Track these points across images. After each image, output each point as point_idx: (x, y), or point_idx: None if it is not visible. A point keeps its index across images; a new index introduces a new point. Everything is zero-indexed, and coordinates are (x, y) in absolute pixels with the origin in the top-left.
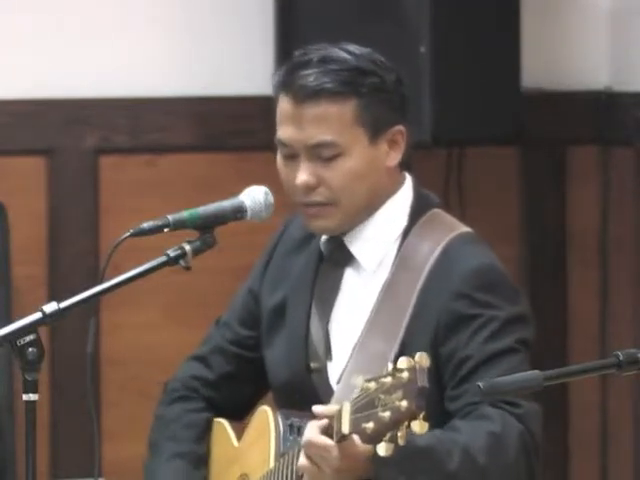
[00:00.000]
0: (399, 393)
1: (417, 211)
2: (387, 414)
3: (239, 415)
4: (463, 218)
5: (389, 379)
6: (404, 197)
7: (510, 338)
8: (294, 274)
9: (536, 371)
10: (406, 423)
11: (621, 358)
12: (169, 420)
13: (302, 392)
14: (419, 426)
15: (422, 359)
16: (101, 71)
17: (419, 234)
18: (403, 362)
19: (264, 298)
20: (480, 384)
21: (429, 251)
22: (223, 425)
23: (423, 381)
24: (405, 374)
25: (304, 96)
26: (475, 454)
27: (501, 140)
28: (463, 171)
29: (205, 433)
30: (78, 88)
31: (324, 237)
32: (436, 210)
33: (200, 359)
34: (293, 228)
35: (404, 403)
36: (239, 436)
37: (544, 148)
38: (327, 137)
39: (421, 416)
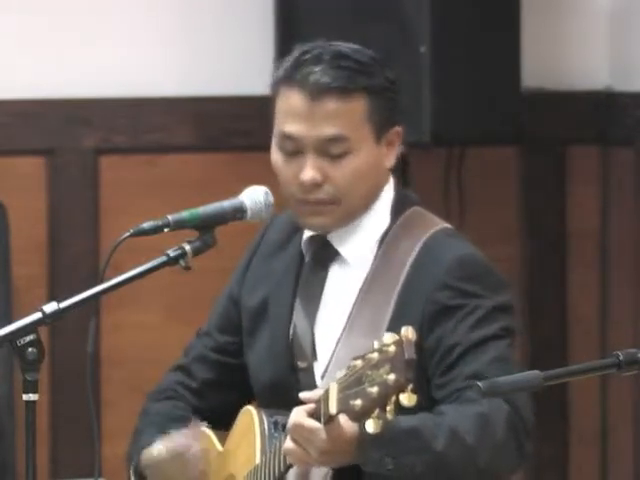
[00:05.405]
0: (386, 367)
1: (398, 209)
2: (375, 389)
3: (223, 424)
4: (463, 218)
5: (375, 355)
6: (386, 196)
7: (496, 325)
8: (275, 275)
9: (536, 371)
10: (394, 397)
11: (621, 358)
12: (156, 413)
13: (287, 391)
14: (408, 398)
15: (408, 332)
16: (101, 71)
17: (400, 231)
18: (389, 337)
19: (244, 300)
20: (480, 384)
21: (410, 246)
22: (206, 434)
23: (410, 353)
24: (392, 348)
25: (318, 92)
26: (463, 434)
27: (501, 140)
28: (463, 171)
29: None
30: (78, 88)
31: (305, 237)
32: (416, 208)
33: (181, 369)
34: (272, 231)
35: (392, 376)
36: (223, 442)
37: (544, 148)
38: (340, 131)
39: (409, 388)
